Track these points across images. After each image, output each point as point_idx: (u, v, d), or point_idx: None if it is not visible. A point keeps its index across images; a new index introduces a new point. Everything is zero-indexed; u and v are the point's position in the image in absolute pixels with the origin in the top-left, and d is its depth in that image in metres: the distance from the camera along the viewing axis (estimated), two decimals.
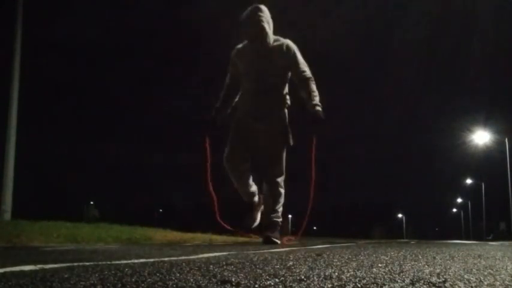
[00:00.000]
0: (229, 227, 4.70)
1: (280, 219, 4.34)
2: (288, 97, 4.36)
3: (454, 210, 74.41)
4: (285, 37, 4.33)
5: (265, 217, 4.36)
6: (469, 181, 46.68)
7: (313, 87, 4.23)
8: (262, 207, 4.51)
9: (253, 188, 4.41)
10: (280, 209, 4.33)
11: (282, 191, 4.31)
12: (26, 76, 11.80)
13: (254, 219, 4.48)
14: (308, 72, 4.26)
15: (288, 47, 4.20)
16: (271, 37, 4.17)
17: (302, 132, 4.48)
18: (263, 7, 4.10)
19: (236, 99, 4.43)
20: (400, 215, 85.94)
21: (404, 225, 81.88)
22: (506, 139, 26.18)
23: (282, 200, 4.32)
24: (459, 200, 64.32)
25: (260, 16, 4.05)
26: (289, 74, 4.29)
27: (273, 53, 4.17)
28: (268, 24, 4.12)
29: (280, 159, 4.28)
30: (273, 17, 4.22)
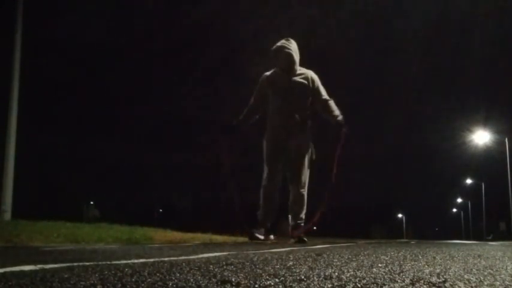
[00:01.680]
0: (248, 229, 5.04)
1: (303, 222, 4.93)
2: (309, 120, 4.97)
3: (454, 210, 74.33)
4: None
5: (292, 221, 4.94)
6: (469, 181, 46.57)
7: (333, 104, 4.97)
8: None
9: (273, 214, 4.96)
10: (304, 215, 4.92)
11: (305, 200, 4.90)
12: (26, 76, 11.78)
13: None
14: (327, 96, 4.98)
15: (312, 78, 4.90)
16: (298, 66, 4.86)
17: (324, 144, 5.20)
18: (292, 40, 4.82)
19: (257, 117, 5.05)
20: (400, 215, 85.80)
21: (404, 225, 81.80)
22: (506, 139, 26.14)
23: (305, 207, 4.94)
24: (459, 200, 64.19)
25: (289, 47, 4.76)
26: (310, 99, 4.93)
27: (299, 80, 4.84)
28: (296, 55, 4.80)
29: (304, 173, 4.87)
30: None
